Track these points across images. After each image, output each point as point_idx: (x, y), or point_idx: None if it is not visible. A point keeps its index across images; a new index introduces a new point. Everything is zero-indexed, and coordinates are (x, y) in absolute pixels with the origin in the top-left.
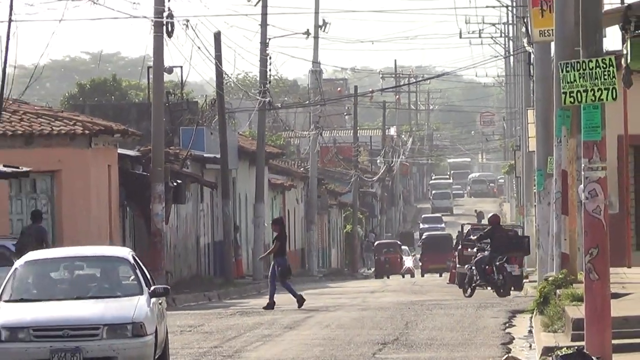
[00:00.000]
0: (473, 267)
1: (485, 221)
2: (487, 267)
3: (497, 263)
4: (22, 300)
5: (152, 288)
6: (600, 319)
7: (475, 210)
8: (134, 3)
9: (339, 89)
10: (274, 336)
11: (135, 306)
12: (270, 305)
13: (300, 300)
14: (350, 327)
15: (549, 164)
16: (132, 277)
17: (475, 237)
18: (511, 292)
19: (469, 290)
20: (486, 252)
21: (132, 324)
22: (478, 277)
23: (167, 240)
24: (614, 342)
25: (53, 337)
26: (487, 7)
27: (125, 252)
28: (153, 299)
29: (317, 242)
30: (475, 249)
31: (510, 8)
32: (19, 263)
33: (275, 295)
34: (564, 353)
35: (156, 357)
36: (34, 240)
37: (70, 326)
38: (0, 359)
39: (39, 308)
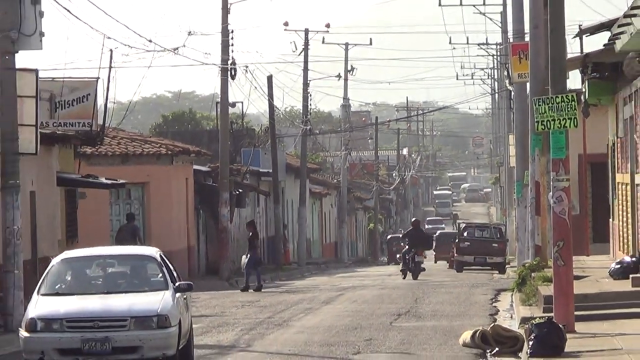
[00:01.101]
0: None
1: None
2: (407, 257)
3: (410, 255)
4: (57, 294)
5: (177, 284)
6: (565, 296)
7: (452, 214)
8: (206, 53)
9: (363, 119)
10: (314, 309)
11: (160, 300)
12: (245, 288)
13: (259, 288)
14: (373, 302)
15: (525, 176)
16: (159, 274)
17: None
18: (494, 275)
19: (402, 274)
20: (406, 246)
21: (157, 316)
22: (402, 264)
23: (232, 235)
24: (576, 313)
25: (84, 328)
26: (477, 55)
27: (153, 251)
28: (178, 294)
29: (347, 236)
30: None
31: (495, 56)
32: (55, 260)
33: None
34: (537, 322)
35: (180, 347)
36: (129, 236)
37: (100, 318)
38: (35, 347)
39: (72, 301)
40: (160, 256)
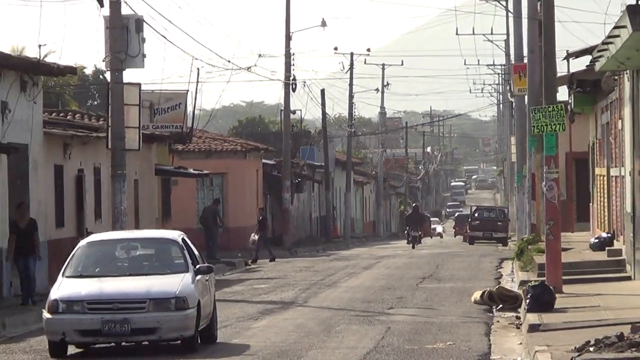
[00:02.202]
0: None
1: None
2: (408, 231)
3: (409, 231)
4: (80, 276)
5: (197, 266)
6: (555, 264)
7: (413, 205)
8: (272, 71)
9: (396, 123)
10: (356, 273)
11: (179, 283)
12: (255, 260)
13: (273, 259)
14: (402, 268)
15: (524, 169)
16: (180, 257)
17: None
18: (499, 247)
19: (411, 245)
20: (408, 224)
21: (175, 299)
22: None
23: (292, 215)
24: (564, 277)
25: (104, 310)
26: (486, 74)
27: (176, 235)
28: (198, 276)
29: (383, 216)
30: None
31: (500, 74)
32: (81, 243)
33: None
34: (533, 284)
35: (201, 328)
36: (210, 216)
37: (119, 300)
38: (57, 328)
39: (94, 283)
40: (183, 239)
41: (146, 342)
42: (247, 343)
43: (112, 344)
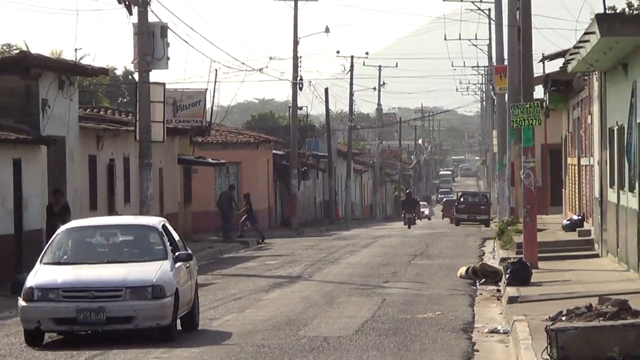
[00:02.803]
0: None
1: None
2: (404, 215)
3: (404, 214)
4: (58, 263)
5: (177, 254)
6: (531, 242)
7: (406, 191)
8: (282, 72)
9: (391, 118)
10: (355, 251)
11: (157, 270)
12: (262, 240)
13: (263, 238)
14: (396, 247)
15: (504, 159)
16: (159, 244)
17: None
18: (482, 228)
19: (407, 225)
20: (404, 208)
21: (152, 287)
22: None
23: (299, 199)
24: (539, 255)
25: (80, 298)
26: (471, 74)
27: (156, 222)
28: (178, 264)
29: (379, 200)
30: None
31: (483, 75)
32: (60, 230)
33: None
34: (512, 261)
35: (182, 315)
36: (226, 200)
37: (95, 288)
38: (32, 316)
39: (70, 271)
40: (163, 226)
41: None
42: (254, 317)
43: (89, 332)
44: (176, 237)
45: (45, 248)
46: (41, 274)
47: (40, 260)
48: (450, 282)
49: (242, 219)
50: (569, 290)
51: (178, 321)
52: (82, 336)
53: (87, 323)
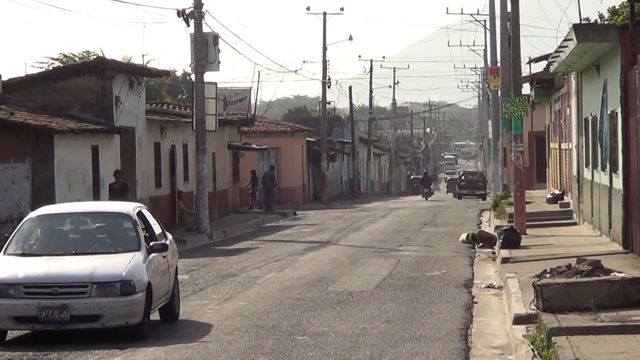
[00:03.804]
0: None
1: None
2: (422, 189)
3: (422, 189)
4: (23, 254)
5: (151, 244)
6: (520, 213)
7: (425, 172)
8: (313, 73)
9: (404, 111)
10: (375, 220)
11: (127, 264)
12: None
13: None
14: (409, 217)
15: (497, 144)
16: (133, 234)
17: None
18: (479, 201)
19: (425, 198)
20: (421, 184)
21: (120, 282)
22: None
23: (328, 178)
24: (527, 223)
25: (42, 295)
26: (470, 74)
27: (130, 208)
28: (153, 255)
29: (394, 179)
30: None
31: (480, 75)
32: (28, 217)
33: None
34: (504, 228)
35: (161, 306)
36: (268, 179)
37: (59, 283)
38: None
39: (34, 264)
40: (139, 213)
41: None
42: (291, 275)
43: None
44: (154, 224)
45: (11, 237)
46: (3, 267)
47: (4, 251)
48: (454, 246)
49: (250, 192)
50: (552, 252)
51: (157, 312)
52: (49, 333)
53: (50, 322)
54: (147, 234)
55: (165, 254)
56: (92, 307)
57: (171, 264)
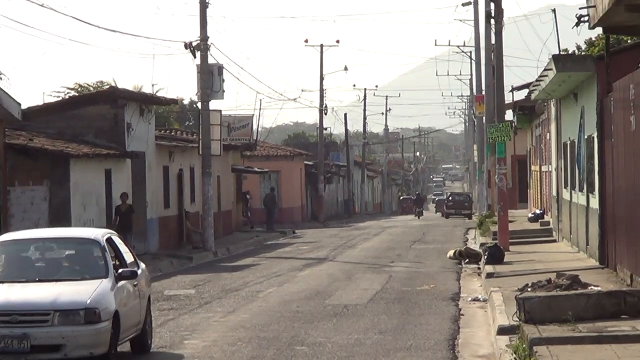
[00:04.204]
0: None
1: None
2: (415, 209)
3: (415, 208)
4: None
5: (119, 271)
6: (504, 231)
7: (417, 193)
8: (311, 102)
9: (395, 136)
10: (368, 238)
11: (93, 291)
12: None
13: (252, 227)
14: (400, 235)
15: (482, 167)
16: (100, 260)
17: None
18: (466, 220)
19: (417, 217)
20: (414, 204)
21: (84, 310)
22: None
23: (324, 199)
24: (510, 240)
25: (1, 323)
26: (457, 102)
27: (99, 234)
28: (121, 282)
29: (386, 199)
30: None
31: (466, 102)
32: None
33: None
34: (489, 245)
35: (132, 337)
36: (270, 200)
37: (19, 311)
38: None
39: None
40: (108, 239)
41: None
42: (291, 290)
43: None
44: (126, 252)
45: None
46: None
47: None
48: (442, 262)
49: (243, 212)
50: (533, 267)
51: (127, 344)
52: None
53: (9, 352)
54: (117, 262)
55: (136, 282)
56: (54, 337)
57: (143, 293)
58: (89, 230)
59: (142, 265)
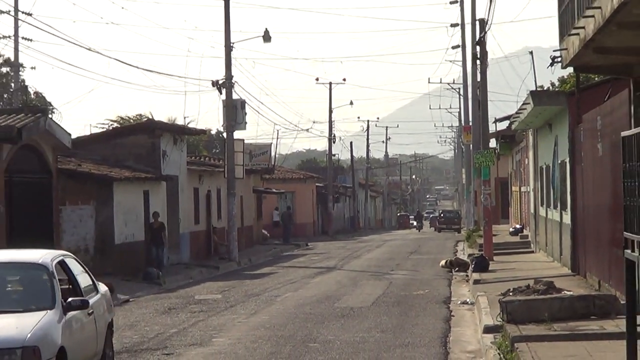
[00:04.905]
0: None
1: (437, 211)
2: (416, 223)
3: (417, 223)
4: None
5: (69, 300)
6: (489, 243)
7: (418, 211)
8: (321, 132)
9: (394, 161)
10: (371, 250)
11: (34, 325)
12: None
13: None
14: (399, 247)
15: (470, 188)
16: (47, 288)
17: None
18: (455, 234)
19: (418, 230)
20: (414, 220)
21: (22, 349)
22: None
23: (333, 216)
24: (494, 251)
25: None
26: (448, 132)
27: (47, 258)
28: (72, 313)
29: (387, 216)
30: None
31: (456, 132)
32: None
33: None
34: (476, 255)
35: None
36: (287, 217)
37: None
38: None
39: None
40: (60, 263)
41: None
42: (304, 294)
43: None
44: (81, 274)
45: None
46: None
47: None
48: (435, 270)
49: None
50: (514, 275)
51: None
52: None
53: None
54: (69, 287)
55: (91, 310)
56: None
57: (100, 323)
58: (38, 253)
59: (103, 288)
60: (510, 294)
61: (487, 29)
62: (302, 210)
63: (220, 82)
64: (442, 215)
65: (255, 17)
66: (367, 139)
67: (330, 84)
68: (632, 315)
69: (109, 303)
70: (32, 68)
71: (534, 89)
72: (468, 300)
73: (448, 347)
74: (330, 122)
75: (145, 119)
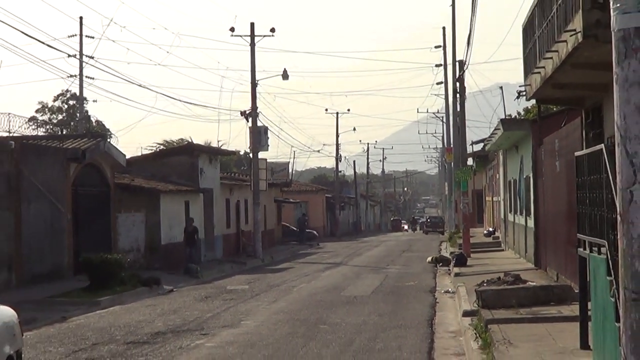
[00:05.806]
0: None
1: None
2: (411, 226)
3: (412, 226)
4: None
5: None
6: (467, 243)
7: (414, 217)
8: (330, 152)
9: (389, 176)
10: (370, 249)
11: None
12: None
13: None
14: (393, 246)
15: (451, 198)
16: None
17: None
18: (440, 236)
19: (413, 231)
20: (411, 223)
21: None
22: (409, 228)
23: (340, 221)
24: (471, 250)
25: None
26: (433, 153)
27: None
28: None
29: (384, 221)
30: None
31: (440, 152)
32: None
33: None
34: (456, 253)
35: None
36: (302, 222)
37: None
38: None
39: None
40: None
41: None
42: (316, 285)
43: None
44: None
45: None
46: None
47: None
48: (423, 265)
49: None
50: (488, 269)
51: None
52: None
53: None
54: None
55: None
56: None
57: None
58: None
59: (8, 314)
60: (485, 284)
61: (465, 68)
62: (314, 216)
63: (247, 112)
64: (428, 220)
65: (276, 59)
66: (367, 159)
67: (337, 113)
68: (584, 301)
69: (17, 331)
70: (94, 101)
71: (503, 117)
72: (450, 289)
73: (434, 328)
74: (337, 144)
75: (186, 143)
